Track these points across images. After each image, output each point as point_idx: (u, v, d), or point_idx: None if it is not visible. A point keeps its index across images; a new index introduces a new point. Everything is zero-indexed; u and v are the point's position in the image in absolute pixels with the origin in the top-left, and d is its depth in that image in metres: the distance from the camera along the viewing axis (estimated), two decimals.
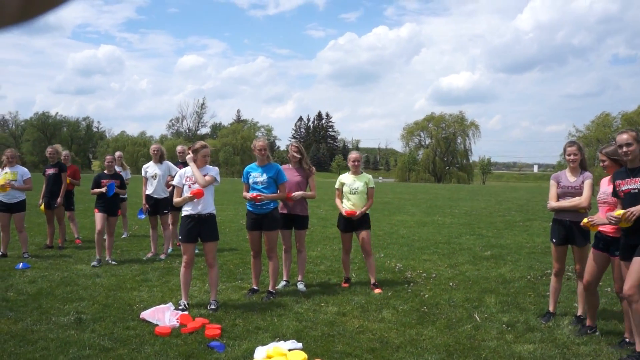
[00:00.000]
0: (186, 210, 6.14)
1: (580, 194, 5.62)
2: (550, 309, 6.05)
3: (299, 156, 7.13)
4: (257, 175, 6.58)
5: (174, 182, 6.31)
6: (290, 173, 7.00)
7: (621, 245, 4.80)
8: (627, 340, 5.05)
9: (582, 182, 5.64)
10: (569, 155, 5.73)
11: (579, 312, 5.88)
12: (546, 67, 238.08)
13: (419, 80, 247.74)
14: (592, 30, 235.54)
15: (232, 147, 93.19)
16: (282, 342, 4.87)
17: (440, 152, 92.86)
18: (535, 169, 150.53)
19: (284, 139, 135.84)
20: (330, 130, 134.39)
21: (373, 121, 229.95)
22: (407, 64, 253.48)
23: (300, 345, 4.85)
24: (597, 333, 5.45)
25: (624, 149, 4.69)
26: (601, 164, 5.41)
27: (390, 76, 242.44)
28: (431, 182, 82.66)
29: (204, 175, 6.06)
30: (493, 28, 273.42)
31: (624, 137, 4.71)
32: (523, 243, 11.53)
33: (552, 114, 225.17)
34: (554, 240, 5.91)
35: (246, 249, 7.03)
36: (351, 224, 7.18)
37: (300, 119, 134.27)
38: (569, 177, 5.78)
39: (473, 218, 16.87)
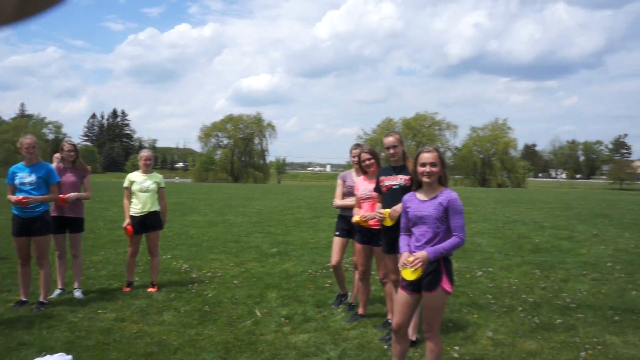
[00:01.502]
0: None
1: None
2: (341, 291, 6.54)
3: (74, 155, 6.72)
4: (25, 176, 6.04)
5: None
6: (63, 173, 6.56)
7: (383, 239, 5.29)
8: (390, 320, 5.58)
9: None
10: (354, 157, 6.15)
11: (352, 300, 6.37)
12: (341, 73, 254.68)
13: (220, 81, 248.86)
14: (381, 43, 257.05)
15: (14, 144, 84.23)
16: (48, 356, 4.54)
17: (238, 152, 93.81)
18: (328, 168, 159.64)
19: (75, 137, 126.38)
20: (125, 128, 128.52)
21: (172, 120, 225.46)
22: (209, 63, 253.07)
23: (69, 357, 4.55)
24: (365, 318, 5.96)
25: (391, 150, 5.14)
26: (366, 162, 5.80)
27: (191, 75, 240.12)
28: (229, 182, 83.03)
29: None
30: (294, 34, 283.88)
31: (390, 140, 5.16)
32: (308, 239, 12.12)
33: (345, 118, 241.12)
34: (337, 234, 6.34)
35: (16, 257, 6.39)
36: (144, 226, 6.97)
37: (94, 116, 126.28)
38: (354, 177, 6.22)
39: (264, 217, 17.31)
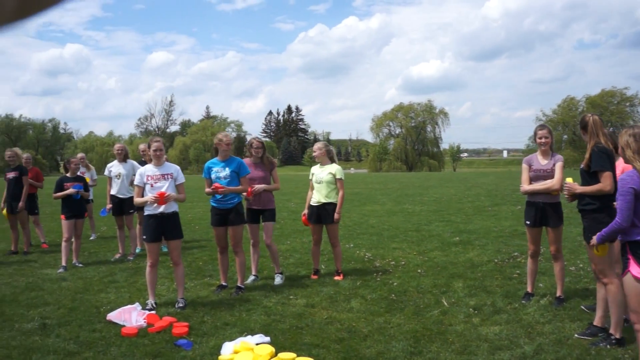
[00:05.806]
0: (149, 210, 6.07)
1: (551, 176, 5.68)
2: (529, 289, 6.12)
3: (261, 151, 7.13)
4: (220, 170, 6.51)
5: (135, 182, 6.24)
6: (252, 168, 6.98)
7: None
8: (594, 324, 5.04)
9: (554, 165, 5.71)
10: (540, 138, 5.80)
11: (559, 293, 5.93)
12: (514, 53, 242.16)
13: (389, 70, 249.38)
14: (558, 16, 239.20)
15: (202, 144, 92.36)
16: (249, 336, 4.86)
17: (411, 141, 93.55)
18: (505, 154, 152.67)
19: (254, 134, 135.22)
20: (300, 123, 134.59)
21: (344, 113, 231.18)
22: (378, 54, 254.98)
23: (268, 339, 4.84)
24: (561, 309, 5.56)
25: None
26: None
27: (361, 67, 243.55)
28: (403, 171, 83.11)
29: (169, 176, 6.04)
30: (462, 16, 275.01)
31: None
32: (491, 227, 11.67)
33: (521, 100, 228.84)
34: (528, 223, 5.95)
35: (215, 245, 6.98)
36: (319, 217, 7.20)
37: (270, 113, 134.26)
38: (540, 161, 5.85)
39: (442, 205, 17.02)
